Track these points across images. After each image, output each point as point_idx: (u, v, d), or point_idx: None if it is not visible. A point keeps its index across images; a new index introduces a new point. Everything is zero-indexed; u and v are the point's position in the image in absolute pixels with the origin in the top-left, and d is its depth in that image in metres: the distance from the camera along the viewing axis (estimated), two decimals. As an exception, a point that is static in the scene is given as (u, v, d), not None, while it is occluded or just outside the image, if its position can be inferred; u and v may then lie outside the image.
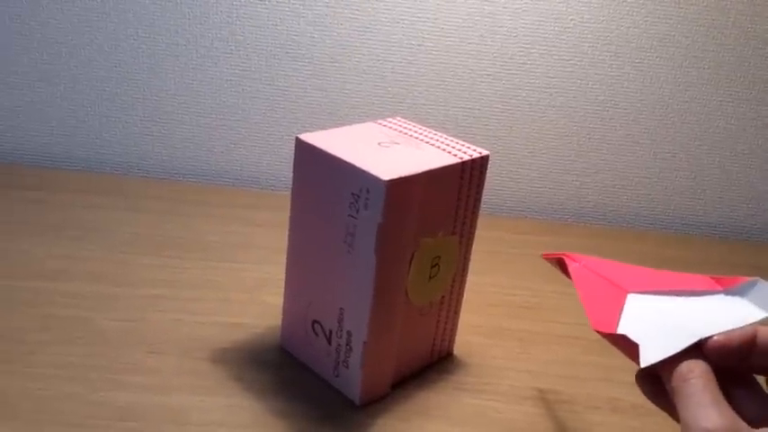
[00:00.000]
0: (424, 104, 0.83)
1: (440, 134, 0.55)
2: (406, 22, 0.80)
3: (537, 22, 0.80)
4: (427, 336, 0.56)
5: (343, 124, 0.84)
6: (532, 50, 0.81)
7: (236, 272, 0.67)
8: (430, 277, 0.52)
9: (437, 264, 0.52)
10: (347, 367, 0.51)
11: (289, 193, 0.86)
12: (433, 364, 0.58)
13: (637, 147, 0.86)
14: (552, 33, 0.80)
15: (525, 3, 0.79)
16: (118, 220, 0.74)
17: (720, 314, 0.39)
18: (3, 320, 0.56)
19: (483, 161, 0.52)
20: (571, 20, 0.80)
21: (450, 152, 0.51)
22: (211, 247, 0.71)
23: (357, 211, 0.47)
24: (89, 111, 0.84)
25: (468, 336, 0.62)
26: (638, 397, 0.55)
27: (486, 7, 0.79)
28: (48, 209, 0.74)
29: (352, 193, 0.47)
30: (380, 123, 0.56)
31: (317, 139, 0.50)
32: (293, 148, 0.86)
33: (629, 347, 0.40)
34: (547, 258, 0.50)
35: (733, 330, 0.37)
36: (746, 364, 0.37)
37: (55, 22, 0.79)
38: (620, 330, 0.40)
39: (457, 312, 0.57)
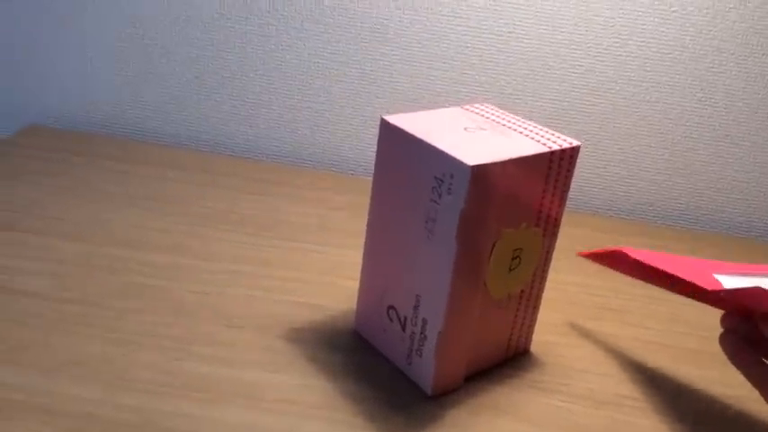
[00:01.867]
0: (512, 94, 0.81)
1: (529, 122, 0.53)
2: (497, 8, 0.78)
3: (636, 12, 0.76)
4: (504, 330, 0.54)
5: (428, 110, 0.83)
6: (629, 42, 0.78)
7: (313, 253, 0.67)
8: (510, 269, 0.51)
9: (518, 256, 0.51)
10: (420, 356, 0.50)
11: (369, 178, 0.86)
12: (508, 359, 0.56)
13: (735, 148, 0.81)
14: (651, 25, 0.77)
15: (625, -8, 0.76)
16: (199, 195, 0.75)
17: None
18: (85, 285, 0.58)
19: (573, 152, 0.50)
20: (673, 11, 0.76)
21: (538, 141, 0.50)
22: (290, 227, 0.71)
23: (440, 196, 0.46)
24: (181, 88, 0.85)
25: (547, 335, 0.60)
26: (725, 410, 0.52)
27: (582, -4, 0.76)
28: (132, 180, 0.76)
29: (436, 177, 0.46)
30: (468, 109, 0.55)
31: (402, 120, 0.49)
32: (376, 133, 0.85)
33: (754, 299, 0.42)
34: (586, 256, 0.53)
35: None
36: None
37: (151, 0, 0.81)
38: (748, 284, 0.43)
39: (536, 308, 0.55)
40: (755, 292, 0.42)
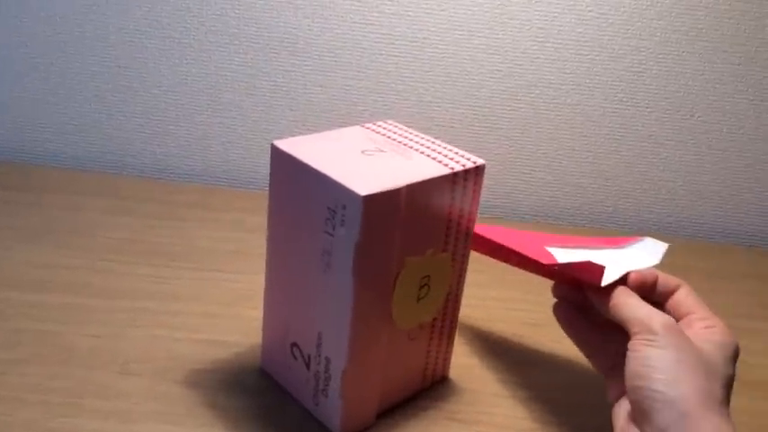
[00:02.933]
0: (430, 102, 0.78)
1: (432, 140, 0.50)
2: (410, 14, 0.75)
3: (552, 13, 0.74)
4: (417, 361, 0.51)
5: (344, 122, 0.79)
6: (547, 44, 0.75)
7: (224, 282, 0.63)
8: (418, 299, 0.48)
9: (426, 284, 0.48)
10: (326, 396, 0.47)
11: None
12: (425, 389, 0.53)
13: (660, 148, 0.80)
14: (568, 25, 0.75)
15: (539, -7, 0.73)
16: (105, 225, 0.70)
17: (625, 260, 0.48)
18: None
19: (478, 171, 0.47)
20: (589, 11, 0.74)
21: (440, 161, 0.47)
22: (201, 254, 0.67)
23: (333, 227, 0.43)
24: (80, 106, 0.80)
25: (466, 357, 0.57)
26: None
27: (496, -2, 0.74)
28: (32, 211, 0.71)
29: (328, 208, 0.43)
30: (368, 128, 0.51)
31: (293, 145, 0.46)
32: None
33: (584, 272, 0.46)
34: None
35: (644, 270, 0.46)
36: (649, 299, 0.45)
37: (44, 14, 0.76)
38: (580, 258, 0.47)
39: (451, 335, 0.52)
40: (585, 266, 0.46)
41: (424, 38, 0.76)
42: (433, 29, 0.75)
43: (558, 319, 0.50)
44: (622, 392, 0.44)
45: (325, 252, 0.44)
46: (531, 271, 0.52)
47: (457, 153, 0.48)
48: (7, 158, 0.83)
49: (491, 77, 0.77)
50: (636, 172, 0.81)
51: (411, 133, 0.51)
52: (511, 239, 0.52)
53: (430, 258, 0.47)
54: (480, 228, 0.53)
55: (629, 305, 0.43)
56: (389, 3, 0.74)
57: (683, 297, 0.45)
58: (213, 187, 0.81)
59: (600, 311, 0.46)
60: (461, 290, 0.51)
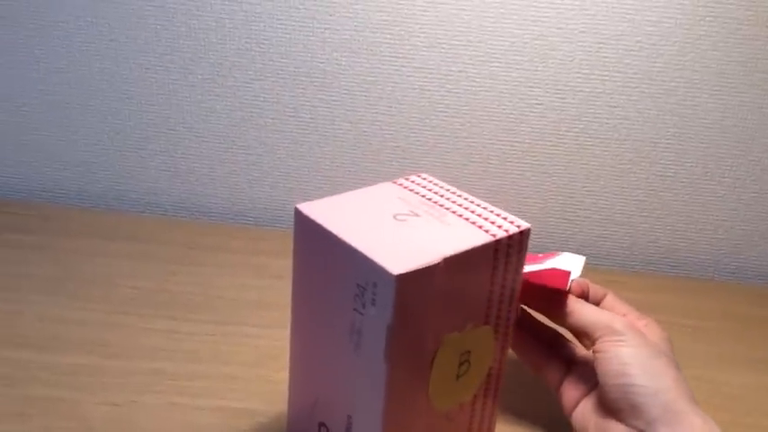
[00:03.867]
0: (466, 137, 0.74)
1: (471, 199, 0.46)
2: (444, 46, 0.70)
3: (596, 44, 0.69)
4: (456, 441, 0.46)
5: (375, 158, 0.75)
6: (591, 77, 0.70)
7: (247, 339, 0.59)
8: (458, 376, 0.43)
9: (466, 360, 0.43)
10: (356, 485, 0.43)
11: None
12: (465, 469, 0.48)
13: (717, 186, 0.74)
14: (614, 57, 0.69)
15: (582, 23, 0.68)
16: (123, 272, 0.67)
17: None
18: (-28, 407, 0.50)
19: (522, 236, 0.43)
20: (637, 41, 0.69)
21: (481, 226, 0.42)
22: (222, 305, 0.63)
23: (363, 305, 0.38)
24: (101, 144, 0.77)
25: (509, 425, 0.52)
26: None
27: (536, 29, 0.69)
28: (49, 257, 0.68)
29: (358, 284, 0.38)
30: (400, 185, 0.47)
31: (319, 210, 0.42)
32: (320, 185, 0.77)
33: (550, 278, 0.47)
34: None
35: (578, 280, 0.49)
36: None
37: (62, 49, 0.73)
38: (551, 265, 0.49)
39: (493, 413, 0.48)
40: (551, 272, 0.47)
41: (460, 71, 0.71)
42: (469, 61, 0.70)
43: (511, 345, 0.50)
44: (580, 397, 0.47)
45: (354, 331, 0.39)
46: None
47: (499, 215, 0.44)
48: (25, 198, 0.80)
49: (531, 111, 0.72)
50: (691, 211, 0.76)
51: (447, 190, 0.47)
52: None
53: (470, 333, 0.42)
54: None
55: (586, 311, 0.45)
56: (422, 35, 0.70)
57: (613, 302, 0.49)
58: (238, 226, 0.77)
59: (553, 320, 0.48)
60: (504, 363, 0.47)
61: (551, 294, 0.47)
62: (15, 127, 0.77)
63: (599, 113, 0.72)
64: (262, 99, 0.74)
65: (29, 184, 0.80)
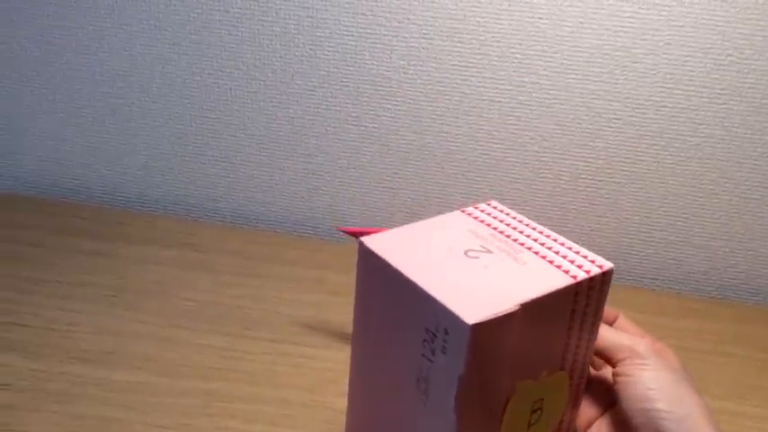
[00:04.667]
0: (537, 152, 0.70)
1: (545, 232, 0.42)
2: (518, 56, 0.66)
3: (682, 57, 0.64)
4: (524, 491, 0.43)
5: (440, 170, 0.72)
6: (675, 91, 0.66)
7: (304, 360, 0.57)
8: (529, 425, 0.40)
9: (539, 408, 0.40)
10: None
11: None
12: None
13: (806, 209, 0.69)
14: (701, 71, 0.65)
15: (668, 35, 0.63)
16: (179, 282, 0.65)
17: None
18: (25, 421, 0.49)
19: (604, 278, 0.39)
20: (728, 55, 0.64)
21: (559, 266, 0.39)
22: (279, 321, 0.61)
23: (432, 352, 0.35)
24: (163, 148, 0.76)
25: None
26: None
27: (618, 40, 0.64)
28: (108, 265, 0.67)
29: (427, 329, 0.35)
30: (469, 214, 0.44)
31: (386, 245, 0.39)
32: (382, 196, 0.75)
33: None
34: (347, 231, 0.53)
35: None
36: None
37: (125, 54, 0.72)
38: None
39: (564, 460, 0.45)
40: None
41: (533, 82, 0.67)
42: (543, 72, 0.67)
43: None
44: (594, 417, 0.45)
45: (421, 378, 0.37)
46: None
47: (578, 253, 0.40)
48: (84, 200, 0.80)
49: (608, 126, 0.68)
50: (775, 235, 0.71)
51: (519, 221, 0.43)
52: None
53: (545, 380, 0.39)
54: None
55: (606, 333, 0.44)
56: (495, 44, 0.66)
57: (625, 324, 0.47)
58: (296, 236, 0.75)
59: None
60: (578, 408, 0.43)
61: None
62: (77, 129, 0.76)
63: (682, 130, 0.67)
64: (324, 107, 0.71)
65: (89, 186, 0.79)
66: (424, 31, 0.67)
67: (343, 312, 0.63)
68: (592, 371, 0.48)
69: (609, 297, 0.41)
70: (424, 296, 0.35)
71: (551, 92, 0.67)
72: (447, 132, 0.71)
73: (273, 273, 0.68)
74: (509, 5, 0.64)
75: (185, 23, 0.70)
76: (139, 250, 0.70)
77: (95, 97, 0.74)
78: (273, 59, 0.70)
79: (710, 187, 0.69)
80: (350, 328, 0.61)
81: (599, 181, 0.70)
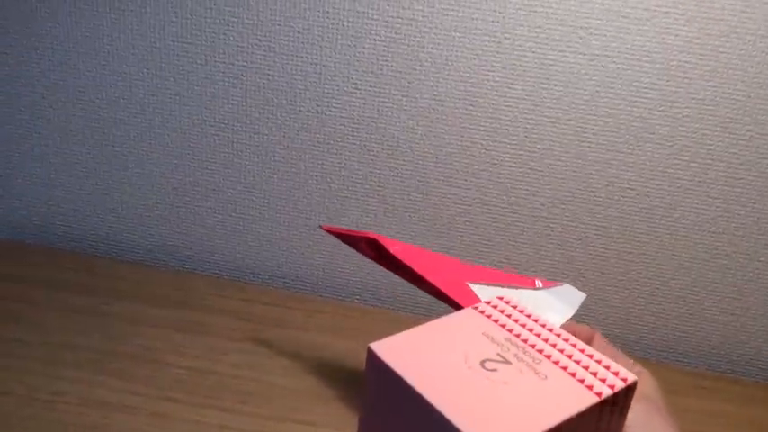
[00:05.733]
0: (547, 218, 0.68)
1: (563, 335, 0.40)
2: (529, 122, 0.64)
3: (701, 131, 0.62)
4: None
5: (443, 234, 0.70)
6: (692, 164, 0.64)
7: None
8: None
9: None
10: None
11: (377, 308, 0.71)
12: None
13: (822, 287, 0.67)
14: (721, 146, 0.63)
15: (687, 107, 0.62)
16: (173, 346, 0.62)
17: (543, 304, 0.48)
18: None
19: (628, 392, 0.37)
20: (748, 131, 0.62)
21: (582, 380, 0.36)
22: (277, 395, 0.59)
23: (445, 479, 0.33)
24: (159, 198, 0.74)
25: None
26: None
27: (634, 110, 0.62)
28: (96, 324, 0.64)
29: (441, 454, 0.33)
30: (482, 312, 0.41)
31: (396, 351, 0.36)
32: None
33: None
34: (328, 230, 0.52)
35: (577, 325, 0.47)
36: None
37: (123, 101, 0.69)
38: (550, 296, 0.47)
39: None
40: None
41: (546, 148, 0.65)
42: (556, 139, 0.65)
43: None
44: None
45: (431, 503, 0.34)
46: (437, 297, 0.50)
47: (600, 362, 0.38)
48: (75, 248, 0.77)
49: (622, 196, 0.66)
50: (788, 310, 0.68)
51: (535, 321, 0.41)
52: (431, 270, 0.50)
53: (563, 501, 0.37)
54: (400, 250, 0.50)
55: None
56: (506, 109, 0.64)
57: (601, 345, 0.46)
58: (294, 293, 0.73)
59: None
60: None
61: None
62: (70, 177, 0.74)
63: (696, 204, 0.65)
64: (329, 163, 0.69)
65: (80, 234, 0.76)
66: (434, 93, 0.65)
67: (347, 385, 0.60)
68: None
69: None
70: (439, 417, 0.33)
71: (563, 159, 0.65)
72: (455, 194, 0.69)
73: (272, 336, 0.65)
74: (524, 71, 0.62)
75: (188, 74, 0.67)
76: (129, 308, 0.67)
77: (90, 144, 0.72)
78: (278, 114, 0.68)
79: (724, 261, 0.67)
80: (355, 407, 0.58)
81: (609, 249, 0.68)
